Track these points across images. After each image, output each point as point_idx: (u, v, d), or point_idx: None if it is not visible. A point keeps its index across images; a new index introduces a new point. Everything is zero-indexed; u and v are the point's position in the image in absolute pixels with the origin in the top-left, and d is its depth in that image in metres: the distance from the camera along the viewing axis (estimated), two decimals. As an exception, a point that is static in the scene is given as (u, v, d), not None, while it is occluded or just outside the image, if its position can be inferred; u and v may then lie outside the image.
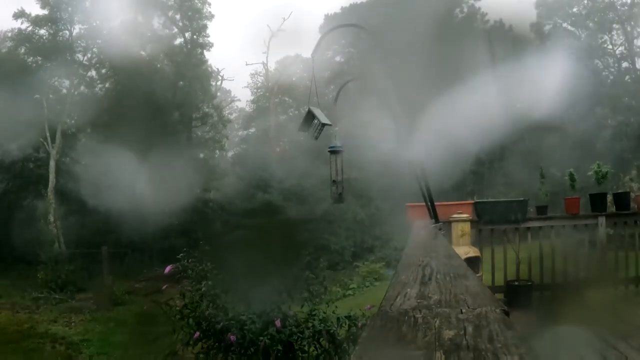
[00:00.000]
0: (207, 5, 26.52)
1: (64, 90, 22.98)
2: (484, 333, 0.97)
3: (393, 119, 4.25)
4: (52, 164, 20.85)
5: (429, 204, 4.48)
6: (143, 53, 23.54)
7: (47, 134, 20.80)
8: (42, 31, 22.14)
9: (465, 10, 26.35)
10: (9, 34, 22.13)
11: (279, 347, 4.57)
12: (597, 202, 5.94)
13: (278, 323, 4.64)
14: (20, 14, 21.64)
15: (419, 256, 2.34)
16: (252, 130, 33.16)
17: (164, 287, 5.90)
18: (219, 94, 30.52)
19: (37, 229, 19.46)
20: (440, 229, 4.42)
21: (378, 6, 24.59)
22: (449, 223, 5.66)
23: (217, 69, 29.12)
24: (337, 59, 28.82)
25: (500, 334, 0.96)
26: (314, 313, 5.05)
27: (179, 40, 26.31)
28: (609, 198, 6.18)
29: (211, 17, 26.54)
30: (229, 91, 34.65)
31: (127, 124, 17.69)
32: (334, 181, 4.20)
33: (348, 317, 4.94)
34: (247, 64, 31.84)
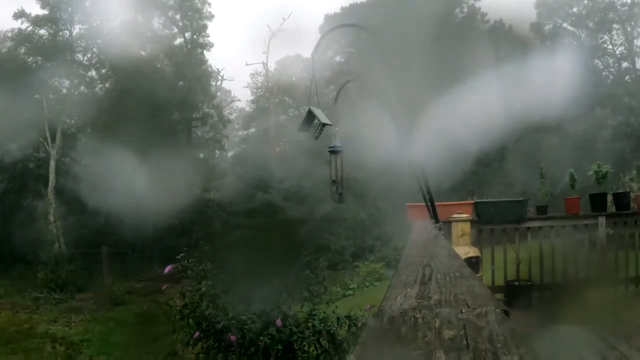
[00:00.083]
0: (207, 5, 26.53)
1: (64, 90, 22.98)
2: (484, 333, 0.97)
3: (393, 119, 4.25)
4: (52, 164, 20.85)
5: (429, 204, 4.48)
6: (143, 53, 23.55)
7: (47, 134, 20.80)
8: (42, 31, 22.15)
9: (465, 10, 26.36)
10: (9, 34, 22.16)
11: (279, 347, 4.56)
12: (597, 202, 5.94)
13: (279, 322, 4.64)
14: (20, 14, 21.65)
15: (419, 256, 2.34)
16: (252, 130, 33.16)
17: (164, 287, 5.90)
18: (219, 94, 30.53)
19: (37, 229, 19.46)
20: (440, 229, 4.42)
21: (378, 6, 24.59)
22: (449, 223, 5.67)
23: (217, 69, 29.16)
24: (337, 59, 28.82)
25: (500, 334, 0.96)
26: (314, 313, 5.05)
27: (179, 40, 26.33)
28: (609, 198, 6.18)
29: (211, 17, 26.56)
30: (229, 91, 34.68)
31: (127, 124, 17.70)
32: (333, 181, 4.20)
33: (348, 317, 4.94)
34: (247, 64, 31.87)
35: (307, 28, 31.31)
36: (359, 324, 4.76)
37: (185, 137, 25.73)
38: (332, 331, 4.79)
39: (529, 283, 5.87)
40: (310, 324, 4.89)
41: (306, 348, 4.84)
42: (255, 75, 32.98)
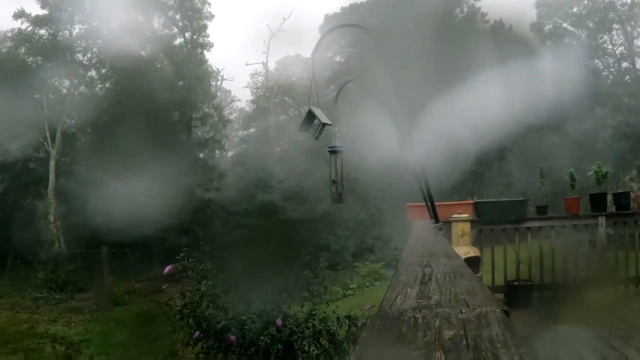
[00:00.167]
0: (207, 5, 26.55)
1: (64, 90, 22.99)
2: (484, 333, 0.97)
3: (393, 119, 4.25)
4: (52, 164, 20.85)
5: (429, 204, 4.48)
6: (143, 53, 23.55)
7: (47, 134, 20.80)
8: (42, 31, 22.15)
9: (465, 10, 26.37)
10: (9, 34, 22.16)
11: (279, 347, 4.56)
12: (597, 202, 5.93)
13: (279, 322, 4.64)
14: (20, 14, 21.65)
15: (419, 256, 2.34)
16: (252, 130, 33.16)
17: (164, 286, 5.90)
18: (219, 94, 30.53)
19: (37, 229, 19.46)
20: (440, 229, 4.42)
21: (378, 6, 24.59)
22: (449, 223, 5.66)
23: (217, 69, 29.17)
24: (337, 59, 28.82)
25: (500, 334, 0.96)
26: (314, 313, 5.05)
27: (179, 40, 26.34)
28: (609, 198, 6.18)
29: (211, 17, 26.58)
30: (229, 91, 34.68)
31: (127, 124, 17.68)
32: (333, 181, 4.20)
33: (348, 317, 4.94)
34: (247, 64, 31.91)
35: (307, 28, 31.37)
36: (359, 324, 4.76)
37: (185, 137, 25.73)
38: (332, 331, 4.79)
39: (529, 283, 5.87)
40: (310, 324, 4.89)
41: (306, 348, 4.84)
42: (255, 75, 33.02)
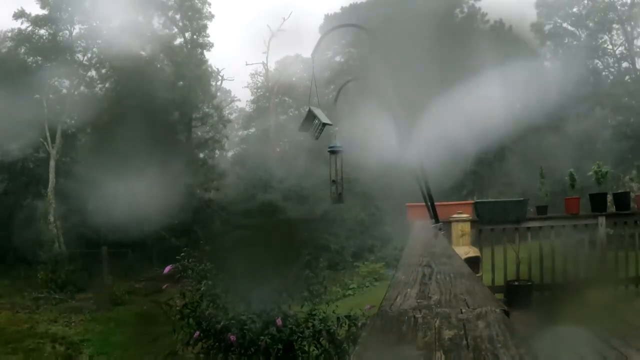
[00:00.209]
0: (207, 5, 26.54)
1: (64, 90, 22.98)
2: (484, 333, 0.97)
3: (393, 119, 4.25)
4: (52, 164, 20.86)
5: (429, 204, 4.48)
6: (143, 53, 23.55)
7: (47, 134, 20.80)
8: (42, 31, 22.15)
9: (466, 10, 26.36)
10: (9, 34, 22.15)
11: (280, 347, 4.56)
12: (597, 202, 5.93)
13: (279, 322, 4.64)
14: (20, 14, 21.65)
15: (419, 256, 2.34)
16: (252, 130, 33.15)
17: (164, 286, 5.90)
18: (219, 94, 30.53)
19: (37, 229, 19.46)
20: (440, 229, 4.42)
21: (378, 6, 24.58)
22: (449, 223, 5.66)
23: (217, 69, 29.16)
24: (337, 59, 28.81)
25: (500, 334, 0.96)
26: (314, 313, 5.05)
27: (179, 40, 26.33)
28: (609, 198, 6.18)
29: (211, 17, 26.57)
30: (229, 91, 34.67)
31: (127, 124, 17.69)
32: (333, 181, 4.20)
33: (348, 317, 4.94)
34: (247, 64, 31.89)
35: (307, 28, 31.37)
36: (359, 324, 4.76)
37: (185, 137, 25.73)
38: (332, 331, 4.79)
39: (529, 283, 5.87)
40: (310, 324, 4.89)
41: (306, 348, 4.85)
42: (255, 75, 33.01)
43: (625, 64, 27.08)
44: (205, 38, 26.43)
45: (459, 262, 2.17)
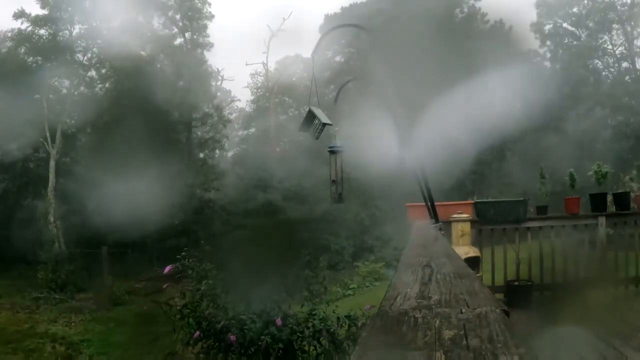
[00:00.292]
0: (207, 5, 26.55)
1: (64, 90, 22.99)
2: (484, 333, 0.97)
3: (393, 119, 4.25)
4: (52, 164, 20.86)
5: (429, 204, 4.48)
6: (143, 53, 23.54)
7: (47, 134, 20.80)
8: (42, 31, 22.15)
9: (466, 10, 26.37)
10: (9, 34, 22.16)
11: (280, 346, 4.56)
12: (597, 202, 5.93)
13: (279, 321, 4.64)
14: (20, 14, 21.65)
15: (419, 256, 2.34)
16: (252, 130, 33.14)
17: (165, 285, 5.89)
18: (219, 94, 30.52)
19: (37, 229, 19.46)
20: (440, 229, 4.42)
21: (378, 6, 24.59)
22: (449, 223, 5.66)
23: (217, 69, 29.14)
24: (337, 59, 28.81)
25: (500, 334, 0.96)
26: (314, 312, 5.05)
27: (179, 40, 26.34)
28: (609, 198, 6.18)
29: (211, 17, 26.58)
30: (229, 91, 34.62)
31: (127, 124, 17.69)
32: (333, 181, 4.20)
33: (348, 317, 4.94)
34: (247, 64, 31.87)
35: (307, 28, 31.36)
36: (359, 324, 4.76)
37: (185, 137, 25.73)
38: (332, 331, 4.79)
39: (529, 283, 5.87)
40: (310, 324, 4.89)
41: (306, 348, 4.84)
42: (255, 75, 32.99)
43: (625, 64, 27.10)
44: (205, 38, 26.46)
45: (459, 262, 2.17)
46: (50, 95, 22.13)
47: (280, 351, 4.58)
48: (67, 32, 22.67)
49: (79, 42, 22.89)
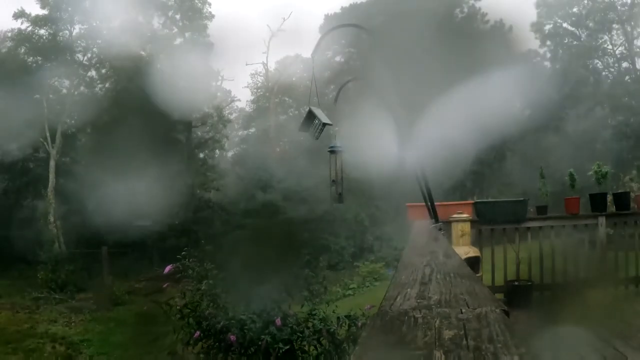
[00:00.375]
0: (207, 5, 26.52)
1: (64, 90, 22.98)
2: (484, 333, 0.97)
3: (393, 119, 4.25)
4: (52, 164, 20.85)
5: (429, 204, 4.48)
6: (143, 53, 23.53)
7: (47, 134, 20.80)
8: (42, 31, 22.14)
9: (466, 10, 26.36)
10: (9, 34, 22.15)
11: (280, 346, 4.56)
12: (597, 202, 5.93)
13: (279, 321, 4.64)
14: (20, 14, 21.64)
15: (419, 256, 2.34)
16: (252, 130, 33.13)
17: (165, 285, 5.89)
18: (219, 94, 30.49)
19: (37, 229, 19.46)
20: (440, 229, 4.42)
21: (378, 6, 24.59)
22: (449, 223, 5.66)
23: (217, 69, 29.11)
24: (337, 59, 28.81)
25: (500, 334, 0.97)
26: (314, 312, 5.05)
27: (179, 40, 26.31)
28: (609, 198, 6.18)
29: (211, 17, 26.54)
30: (229, 91, 34.54)
31: (127, 124, 17.68)
32: (333, 181, 4.20)
33: (348, 317, 4.94)
34: (247, 64, 31.82)
35: (307, 28, 31.41)
36: (359, 324, 4.76)
37: (185, 137, 25.72)
38: (332, 331, 4.79)
39: (529, 283, 5.87)
40: (310, 324, 4.89)
41: (306, 347, 4.84)
42: (255, 75, 32.97)
43: (625, 64, 27.10)
44: (205, 38, 26.42)
45: (459, 262, 2.17)
46: (50, 95, 22.12)
47: (280, 351, 4.58)
48: (67, 32, 22.67)
49: (79, 42, 22.88)
